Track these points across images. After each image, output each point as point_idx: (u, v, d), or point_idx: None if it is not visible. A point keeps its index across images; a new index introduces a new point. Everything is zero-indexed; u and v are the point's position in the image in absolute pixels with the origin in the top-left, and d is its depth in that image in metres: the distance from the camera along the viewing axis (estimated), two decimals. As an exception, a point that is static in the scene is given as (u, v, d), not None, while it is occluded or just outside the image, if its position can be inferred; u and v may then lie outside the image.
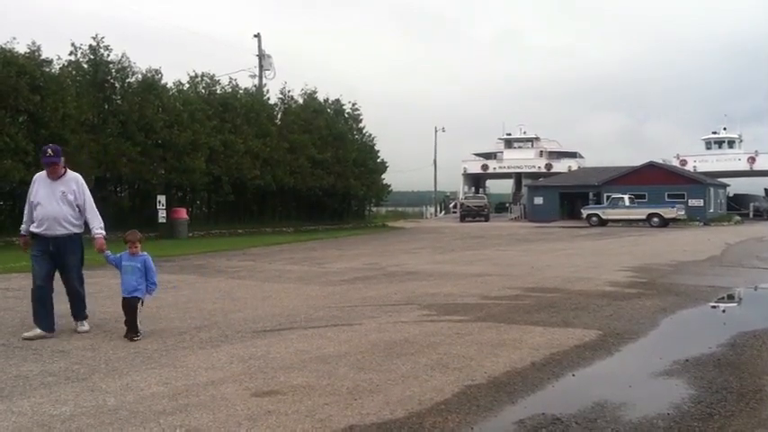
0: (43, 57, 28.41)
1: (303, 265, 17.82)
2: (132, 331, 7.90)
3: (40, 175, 8.42)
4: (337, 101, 46.23)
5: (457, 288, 12.61)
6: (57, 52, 40.60)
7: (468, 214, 58.25)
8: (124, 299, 8.07)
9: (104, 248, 8.22)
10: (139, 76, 32.46)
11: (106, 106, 31.21)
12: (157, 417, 5.08)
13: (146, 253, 8.29)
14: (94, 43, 30.99)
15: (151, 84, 32.41)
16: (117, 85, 31.90)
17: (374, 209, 56.10)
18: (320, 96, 44.75)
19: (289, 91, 42.92)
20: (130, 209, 33.70)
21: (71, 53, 30.78)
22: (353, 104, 47.42)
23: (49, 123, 26.44)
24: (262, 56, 44.82)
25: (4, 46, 26.81)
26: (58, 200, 8.16)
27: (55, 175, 8.26)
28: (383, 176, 49.03)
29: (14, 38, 27.71)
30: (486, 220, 56.66)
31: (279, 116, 41.67)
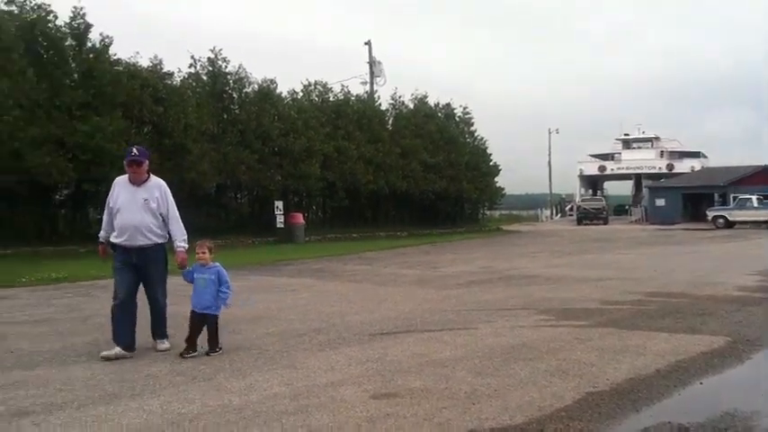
0: (165, 70, 29.78)
1: (418, 269, 17.85)
2: (213, 347, 7.42)
3: (121, 180, 7.74)
4: (448, 105, 46.15)
5: (575, 292, 12.32)
6: (177, 65, 42.28)
7: (586, 217, 56.78)
8: (194, 313, 7.52)
9: (186, 264, 7.67)
10: (255, 86, 33.44)
11: (225, 116, 32.26)
12: (280, 417, 5.18)
13: (218, 263, 7.72)
14: (213, 55, 32.18)
15: (267, 93, 33.31)
16: (235, 95, 32.94)
17: (488, 212, 55.59)
18: (431, 101, 44.79)
19: (399, 96, 43.19)
20: (250, 215, 34.74)
21: (191, 65, 32.08)
22: (464, 108, 47.25)
23: (172, 133, 27.60)
24: (372, 63, 45.28)
25: (128, 60, 28.22)
26: (140, 208, 7.50)
27: (137, 179, 7.59)
28: (496, 179, 48.53)
29: (138, 52, 29.14)
30: (604, 223, 55.10)
31: (390, 121, 41.95)
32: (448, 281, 14.76)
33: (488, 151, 47.89)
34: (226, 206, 33.09)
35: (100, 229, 7.92)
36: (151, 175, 7.73)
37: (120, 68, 27.39)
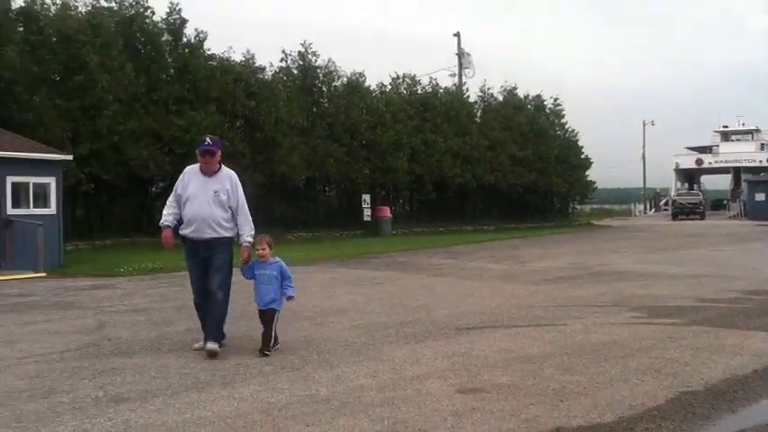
0: (257, 64, 30.39)
1: (505, 264, 17.68)
2: (266, 344, 7.12)
3: (192, 169, 7.46)
4: (538, 96, 45.42)
5: (669, 289, 11.97)
6: (269, 59, 43.01)
7: (681, 212, 54.95)
8: (260, 311, 7.30)
9: (250, 260, 7.35)
10: (344, 79, 33.70)
11: (314, 109, 32.64)
12: (366, 408, 5.22)
13: (278, 258, 7.44)
14: (303, 49, 32.59)
15: (355, 86, 33.54)
16: (324, 88, 33.28)
17: (578, 206, 54.52)
18: (520, 92, 44.19)
19: (488, 88, 42.73)
20: (338, 208, 35.11)
21: (282, 60, 32.61)
22: (555, 99, 46.39)
23: (263, 127, 28.15)
24: (461, 54, 44.98)
25: (222, 55, 28.91)
26: (210, 200, 7.19)
27: (209, 169, 7.28)
28: (587, 173, 47.51)
29: (231, 47, 29.80)
30: (701, 218, 53.21)
31: (479, 114, 41.61)
32: (536, 276, 14.57)
33: (579, 144, 46.96)
34: (314, 199, 33.51)
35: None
36: (223, 166, 7.43)
37: (214, 63, 28.10)
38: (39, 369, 6.51)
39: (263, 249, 7.25)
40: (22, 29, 23.60)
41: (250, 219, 7.41)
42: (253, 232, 7.36)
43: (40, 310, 10.40)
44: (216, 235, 7.20)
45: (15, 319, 9.60)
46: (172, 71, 27.34)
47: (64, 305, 10.96)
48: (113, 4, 26.62)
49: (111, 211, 26.73)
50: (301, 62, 32.62)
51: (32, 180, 17.05)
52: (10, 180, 16.46)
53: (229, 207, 7.29)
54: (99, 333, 8.46)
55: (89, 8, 25.96)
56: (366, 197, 32.96)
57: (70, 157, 18.89)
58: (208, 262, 7.25)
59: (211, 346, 7.01)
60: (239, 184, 7.42)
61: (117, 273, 15.72)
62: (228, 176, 7.37)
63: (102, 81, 23.11)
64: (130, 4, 26.80)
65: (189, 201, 7.23)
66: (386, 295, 11.76)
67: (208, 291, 7.25)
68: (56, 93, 22.75)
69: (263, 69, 30.78)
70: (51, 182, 17.40)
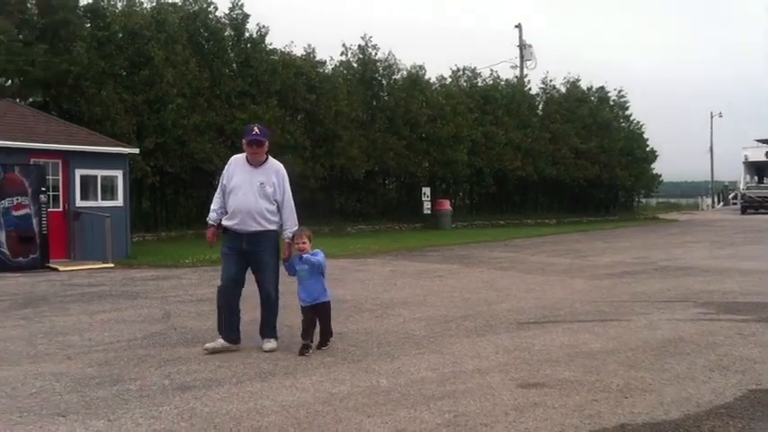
0: (317, 58, 30.61)
1: (567, 258, 17.46)
2: (324, 339, 7.05)
3: (239, 159, 7.20)
4: (602, 88, 44.63)
5: (738, 285, 11.65)
6: (329, 53, 43.31)
7: (751, 206, 53.37)
8: (305, 309, 7.02)
9: (291, 256, 7.05)
10: (404, 72, 33.67)
11: (374, 102, 32.70)
12: (427, 401, 5.22)
13: (318, 250, 7.11)
14: (363, 43, 32.68)
15: (415, 79, 33.47)
16: (384, 82, 33.31)
17: (643, 200, 53.50)
18: (583, 84, 43.51)
19: (550, 80, 42.18)
20: (397, 201, 35.16)
21: (342, 53, 32.75)
22: (619, 91, 45.52)
23: (324, 120, 28.37)
24: (523, 46, 44.49)
25: (283, 50, 29.21)
26: (256, 191, 6.94)
27: (256, 160, 7.04)
28: (653, 166, 46.55)
29: (292, 41, 30.15)
30: (771, 213, 51.67)
31: (540, 106, 41.16)
32: (599, 270, 14.35)
33: (645, 136, 46.03)
34: (374, 192, 33.61)
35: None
36: (270, 157, 7.17)
37: (276, 58, 28.39)
38: (107, 357, 6.68)
39: (304, 243, 6.93)
40: (89, 25, 24.19)
41: (295, 214, 7.19)
42: (295, 228, 7.11)
43: (109, 300, 10.67)
44: (260, 228, 6.97)
45: (85, 308, 9.87)
46: (234, 66, 27.70)
47: (131, 295, 11.23)
48: (177, 0, 27.10)
49: (176, 203, 27.30)
50: (361, 55, 32.71)
51: (100, 173, 17.48)
52: (78, 173, 16.90)
53: (275, 200, 7.06)
54: (165, 322, 8.64)
55: (154, 4, 26.50)
56: (426, 190, 32.92)
57: (136, 151, 19.31)
58: (251, 257, 7.01)
59: (268, 345, 6.99)
60: (286, 176, 7.20)
61: (182, 263, 16.03)
62: (275, 169, 7.13)
63: (167, 76, 23.56)
64: (194, 0, 27.24)
65: (233, 192, 7.00)
66: (446, 288, 11.73)
67: (262, 292, 7.11)
68: (122, 87, 23.28)
69: (323, 63, 31.00)
70: (118, 175, 17.81)
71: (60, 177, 16.53)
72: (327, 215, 29.86)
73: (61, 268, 14.96)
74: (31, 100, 23.39)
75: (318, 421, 4.77)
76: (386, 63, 33.08)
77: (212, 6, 27.35)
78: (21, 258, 14.86)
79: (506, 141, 35.54)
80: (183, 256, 17.09)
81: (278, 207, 7.10)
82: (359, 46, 32.68)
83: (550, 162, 37.94)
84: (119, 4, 25.50)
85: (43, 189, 15.49)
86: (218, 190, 7.23)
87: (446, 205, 32.28)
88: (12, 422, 4.67)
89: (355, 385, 5.67)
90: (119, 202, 17.71)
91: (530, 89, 41.33)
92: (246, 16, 28.13)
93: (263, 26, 28.42)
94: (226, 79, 26.43)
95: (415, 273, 14.29)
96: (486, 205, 38.44)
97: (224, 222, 7.08)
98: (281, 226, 7.15)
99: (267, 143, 7.04)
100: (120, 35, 23.96)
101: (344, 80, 31.18)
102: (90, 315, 9.20)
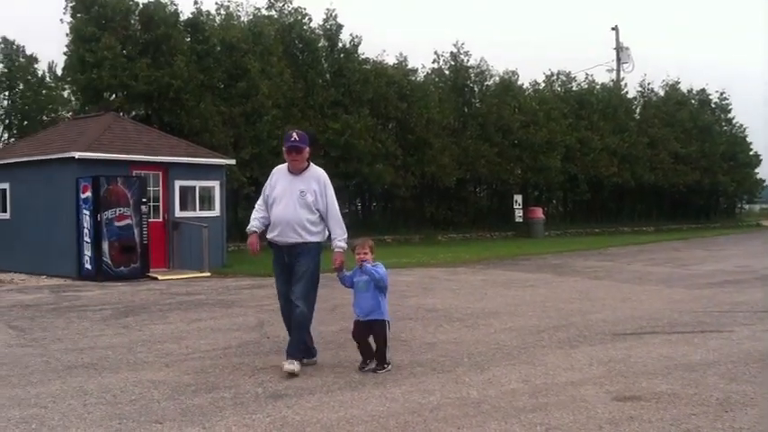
0: (409, 66, 30.76)
1: (665, 267, 16.94)
2: (380, 362, 6.48)
3: (281, 169, 6.92)
4: (702, 90, 43.25)
5: None
6: (421, 61, 43.43)
7: None
8: (358, 322, 6.59)
9: (343, 267, 6.64)
10: (497, 78, 33.45)
11: (466, 110, 32.60)
12: (518, 413, 5.14)
13: (379, 263, 6.68)
14: (455, 50, 32.65)
15: (508, 85, 33.21)
16: (476, 88, 33.18)
17: (746, 206, 51.45)
18: (683, 87, 42.21)
19: (648, 83, 41.14)
20: (488, 209, 34.90)
21: (434, 61, 32.89)
22: (721, 93, 43.99)
23: (415, 128, 28.45)
24: (620, 48, 43.44)
25: (376, 59, 29.47)
26: (296, 201, 6.59)
27: (296, 168, 6.70)
28: (756, 170, 44.69)
29: (384, 50, 30.39)
30: None
31: (638, 110, 40.17)
32: (699, 280, 13.85)
33: (748, 140, 44.27)
34: (465, 200, 33.44)
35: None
36: (311, 164, 6.81)
37: (368, 67, 28.65)
38: (203, 365, 6.85)
39: (366, 254, 6.54)
40: (189, 39, 24.99)
41: (342, 222, 6.76)
42: (345, 237, 6.68)
43: (205, 309, 10.95)
44: (300, 239, 6.57)
45: (183, 316, 10.16)
46: (327, 76, 28.10)
47: (226, 303, 11.50)
48: (273, 13, 27.72)
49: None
50: (453, 62, 32.69)
51: (198, 184, 17.97)
52: (178, 184, 17.43)
53: (317, 210, 6.65)
54: (259, 331, 8.80)
55: (251, 17, 27.18)
56: (518, 198, 32.56)
57: (233, 162, 19.79)
58: (291, 269, 6.64)
59: (289, 366, 6.31)
60: (329, 184, 6.76)
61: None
62: (316, 176, 6.73)
63: (263, 88, 24.08)
64: (289, 12, 27.80)
65: (275, 202, 6.71)
66: (538, 298, 11.55)
67: (292, 306, 6.59)
68: (220, 99, 23.92)
69: (415, 71, 31.13)
70: (215, 185, 18.28)
71: (160, 188, 17.08)
72: (418, 224, 29.91)
73: (160, 277, 15.45)
74: (134, 113, 24.29)
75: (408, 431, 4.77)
76: (478, 69, 32.96)
77: (307, 18, 27.84)
78: (122, 268, 15.42)
79: (602, 147, 34.81)
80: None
81: (321, 217, 6.71)
82: (451, 53, 32.73)
83: (648, 168, 36.93)
84: (217, 18, 26.25)
85: (144, 200, 16.02)
86: (260, 200, 6.96)
87: (539, 213, 31.84)
88: (112, 428, 4.84)
89: (445, 396, 5.63)
90: (216, 212, 18.16)
91: (627, 93, 40.38)
92: (340, 27, 28.52)
93: (356, 36, 28.75)
94: (319, 89, 26.83)
95: (506, 282, 14.14)
96: (580, 213, 37.72)
97: (267, 235, 6.81)
98: (327, 237, 6.78)
99: (307, 149, 6.71)
100: (219, 48, 24.64)
101: (436, 88, 31.22)
102: (187, 323, 9.46)
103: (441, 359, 6.97)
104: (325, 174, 6.80)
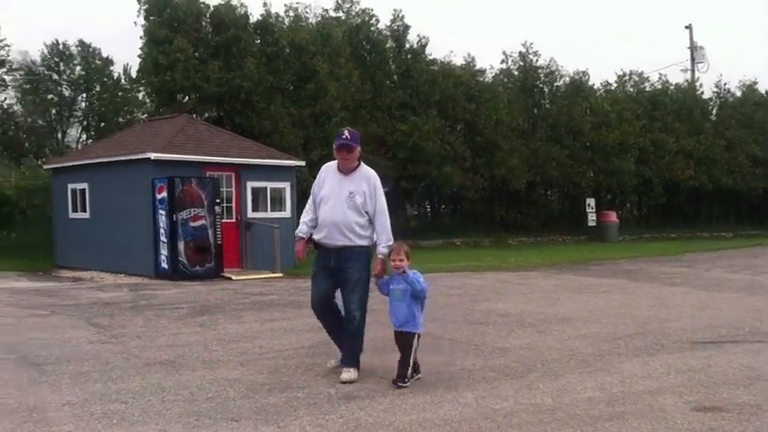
0: (477, 67, 30.60)
1: (745, 274, 16.42)
2: (401, 375, 6.08)
3: (330, 166, 6.64)
4: (782, 91, 41.72)
5: None
6: (489, 62, 43.19)
7: None
8: (396, 332, 6.30)
9: (384, 274, 6.39)
10: (567, 78, 32.99)
11: (535, 111, 32.26)
12: (594, 421, 5.04)
13: (415, 270, 6.26)
14: (524, 50, 32.33)
15: (578, 86, 32.72)
16: (545, 89, 32.79)
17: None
18: (761, 88, 40.82)
19: (724, 84, 39.88)
20: (559, 212, 34.44)
21: (502, 61, 32.67)
22: (803, 92, 42.35)
23: (483, 130, 28.25)
24: (694, 48, 42.33)
25: (443, 60, 29.41)
26: (343, 201, 6.33)
27: (347, 167, 6.43)
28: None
29: (452, 51, 30.35)
30: None
31: (714, 111, 39.02)
32: (781, 287, 13.39)
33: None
34: (535, 203, 33.08)
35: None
36: (362, 164, 6.54)
37: (436, 68, 28.60)
38: (277, 364, 6.92)
39: (401, 261, 6.14)
40: (259, 41, 25.35)
41: (389, 227, 6.46)
42: (390, 243, 6.36)
43: (278, 309, 11.09)
44: (348, 243, 6.33)
45: (256, 316, 10.31)
46: (395, 77, 28.16)
47: (298, 304, 11.58)
48: (341, 14, 27.92)
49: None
50: (522, 63, 32.39)
51: (269, 185, 18.22)
52: (250, 185, 17.71)
53: (366, 212, 6.38)
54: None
55: (319, 19, 27.44)
56: (590, 201, 32.05)
57: (303, 163, 19.99)
58: (339, 275, 6.40)
59: (347, 375, 6.20)
60: (379, 186, 6.48)
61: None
62: (366, 177, 6.45)
63: (332, 89, 24.27)
64: (357, 14, 27.96)
65: (323, 202, 6.46)
66: (613, 304, 11.32)
67: (345, 313, 6.44)
68: (290, 101, 24.20)
69: (483, 72, 30.94)
70: (286, 186, 18.51)
71: (233, 189, 17.38)
72: (487, 227, 29.70)
73: (234, 277, 15.70)
74: (206, 115, 24.76)
75: (482, 438, 4.72)
76: (547, 70, 32.57)
77: (374, 19, 27.97)
78: (198, 267, 15.73)
79: (677, 149, 33.96)
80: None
81: (370, 220, 6.44)
82: (519, 53, 32.43)
83: (726, 171, 35.82)
84: (286, 20, 26.56)
85: (218, 201, 16.33)
86: (310, 200, 6.66)
87: (612, 217, 31.30)
88: (189, 425, 4.93)
89: (519, 402, 5.56)
90: (287, 213, 18.37)
91: (702, 93, 39.28)
92: (407, 27, 28.55)
93: (424, 37, 28.74)
94: (387, 91, 26.90)
95: (579, 287, 13.91)
96: (655, 217, 36.89)
97: (314, 236, 6.54)
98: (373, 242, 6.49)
99: (359, 149, 6.46)
100: (288, 50, 24.93)
101: (505, 88, 30.98)
102: (261, 323, 9.59)
103: (513, 365, 6.89)
104: (375, 175, 6.52)
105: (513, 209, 31.21)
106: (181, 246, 15.55)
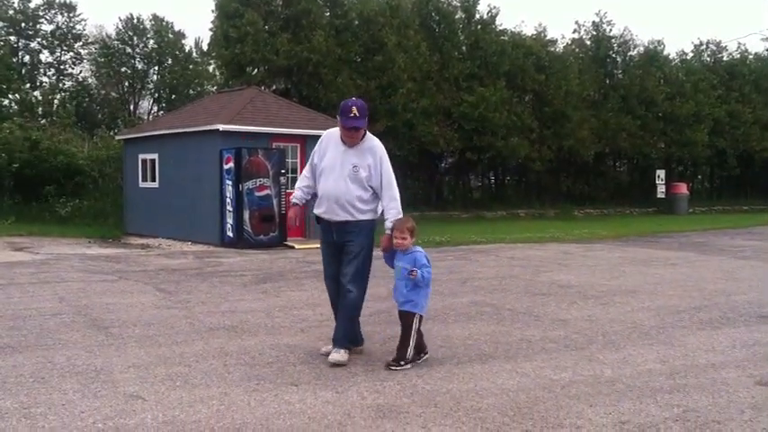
0: (548, 37, 30.13)
1: (821, 247, 15.87)
2: (397, 358, 5.69)
3: (332, 134, 6.17)
4: None
5: None
6: (561, 32, 42.32)
7: None
8: (398, 311, 5.90)
9: (390, 249, 5.88)
10: (641, 48, 32.29)
11: (607, 81, 31.67)
12: (654, 393, 4.98)
13: (418, 248, 5.85)
14: (597, 19, 31.69)
15: (653, 56, 31.97)
16: (618, 59, 32.14)
17: None
18: None
19: (807, 52, 38.32)
20: (629, 183, 33.84)
21: (574, 31, 32.20)
22: None
23: (552, 101, 27.85)
24: (775, 16, 40.70)
25: (513, 30, 29.04)
26: (347, 176, 5.89)
27: (352, 143, 5.98)
28: None
29: (522, 21, 29.92)
30: None
31: (795, 81, 37.56)
32: None
33: None
34: (604, 174, 32.55)
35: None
36: (368, 134, 6.05)
37: (506, 38, 28.27)
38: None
39: (404, 239, 5.73)
40: (328, 14, 25.42)
41: (397, 199, 5.96)
42: (399, 216, 5.89)
43: (340, 277, 11.19)
44: (350, 218, 5.92)
45: (317, 285, 10.36)
46: (464, 48, 27.93)
47: (359, 273, 11.70)
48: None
49: (404, 186, 28.02)
50: (595, 32, 31.74)
51: (334, 156, 18.30)
52: (316, 156, 17.83)
53: (370, 186, 5.95)
54: (389, 301, 8.87)
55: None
56: (660, 173, 31.36)
57: (368, 134, 20.01)
58: (341, 248, 6.01)
59: (335, 356, 5.77)
60: (385, 157, 6.02)
61: (408, 244, 16.43)
62: (371, 149, 5.99)
63: (399, 61, 24.21)
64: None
65: (323, 174, 6.02)
66: (679, 277, 11.09)
67: (342, 290, 5.98)
68: (357, 73, 24.26)
69: (554, 42, 30.49)
70: (350, 157, 18.56)
71: (298, 160, 17.54)
72: (553, 198, 29.37)
73: (297, 246, 15.91)
74: (274, 87, 25.04)
75: (539, 407, 4.71)
76: (621, 39, 31.93)
77: (444, -11, 27.71)
78: (262, 236, 15.98)
79: (753, 120, 32.94)
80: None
81: (375, 193, 6.00)
82: (592, 23, 31.88)
83: (805, 142, 34.57)
84: (356, -7, 26.55)
85: (283, 171, 16.50)
86: (307, 167, 6.26)
87: (682, 189, 30.61)
88: (250, 389, 5.05)
89: (578, 373, 5.52)
90: (350, 183, 18.45)
91: (782, 63, 37.82)
92: (477, -2, 28.19)
93: (494, 7, 28.55)
94: (455, 62, 26.71)
95: (645, 260, 13.65)
96: (728, 189, 35.92)
97: (314, 210, 6.17)
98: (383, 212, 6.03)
99: (365, 121, 5.94)
100: (356, 22, 24.93)
101: (576, 59, 30.43)
102: (321, 291, 9.59)
103: (574, 336, 6.84)
104: (381, 145, 6.06)
105: (581, 180, 30.79)
106: (246, 215, 15.81)
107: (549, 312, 8.02)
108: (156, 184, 18.68)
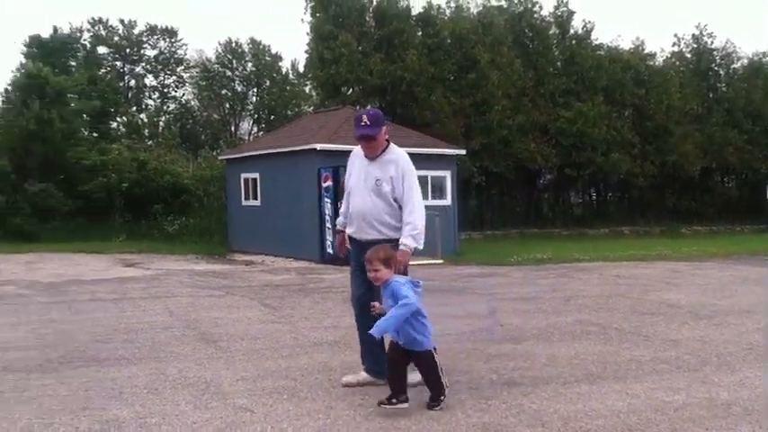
0: (647, 51, 29.53)
1: None
2: (432, 398, 5.04)
3: (357, 152, 5.78)
4: None
5: None
6: (659, 45, 41.40)
7: None
8: (391, 343, 5.22)
9: (400, 270, 5.23)
10: (744, 61, 31.29)
11: (710, 95, 30.74)
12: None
13: (396, 277, 5.07)
14: (697, 32, 30.92)
15: (758, 68, 30.88)
16: (721, 72, 31.21)
17: None
18: None
19: None
20: (738, 199, 32.65)
21: (674, 44, 31.45)
22: None
23: (654, 116, 27.20)
24: None
25: (610, 44, 28.59)
26: (370, 190, 5.53)
27: (371, 154, 5.59)
28: None
29: (619, 35, 29.46)
30: None
31: None
32: None
33: None
34: (711, 190, 31.48)
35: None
36: (391, 145, 5.63)
37: (602, 53, 27.83)
38: (439, 349, 6.94)
39: (376, 270, 5.03)
40: (420, 33, 25.60)
41: (417, 213, 5.47)
42: (416, 231, 5.43)
43: (438, 294, 11.14)
44: (379, 236, 5.49)
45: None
46: (558, 64, 27.62)
47: (458, 290, 11.65)
48: (503, 3, 27.70)
49: (501, 203, 27.87)
50: (695, 45, 30.90)
51: (430, 173, 18.34)
52: (411, 173, 17.91)
53: (395, 200, 5.52)
54: (491, 318, 8.80)
55: (480, 8, 27.38)
56: (771, 188, 30.10)
57: (463, 152, 19.98)
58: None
59: (349, 377, 5.61)
60: (409, 168, 5.53)
61: (507, 262, 16.26)
62: (395, 160, 5.54)
63: (493, 78, 24.14)
64: (519, 1, 27.63)
65: (351, 192, 5.71)
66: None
67: (365, 308, 5.47)
68: (450, 91, 24.30)
69: (653, 56, 29.81)
70: (447, 175, 18.57)
71: (395, 178, 17.65)
72: (657, 215, 28.59)
73: (395, 263, 15.94)
74: (369, 106, 25.32)
75: (651, 430, 4.53)
76: (723, 52, 30.93)
77: (537, 6, 27.57)
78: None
79: None
80: (508, 254, 17.33)
81: (401, 208, 5.55)
82: (692, 35, 31.07)
83: None
84: (447, 11, 26.69)
85: (380, 189, 16.61)
86: (345, 191, 5.92)
87: (796, 205, 29.25)
88: (355, 403, 5.05)
89: (691, 396, 5.30)
90: (447, 201, 18.45)
91: None
92: (572, 13, 27.97)
93: (589, 22, 28.07)
94: (550, 78, 26.46)
95: (758, 279, 13.06)
96: None
97: (347, 230, 5.81)
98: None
99: (383, 131, 5.55)
100: (449, 41, 25.00)
101: (676, 72, 29.67)
102: (423, 307, 9.67)
103: (686, 357, 6.57)
104: (405, 156, 5.60)
105: (686, 196, 29.86)
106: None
107: (659, 332, 7.74)
108: (257, 203, 19.12)
